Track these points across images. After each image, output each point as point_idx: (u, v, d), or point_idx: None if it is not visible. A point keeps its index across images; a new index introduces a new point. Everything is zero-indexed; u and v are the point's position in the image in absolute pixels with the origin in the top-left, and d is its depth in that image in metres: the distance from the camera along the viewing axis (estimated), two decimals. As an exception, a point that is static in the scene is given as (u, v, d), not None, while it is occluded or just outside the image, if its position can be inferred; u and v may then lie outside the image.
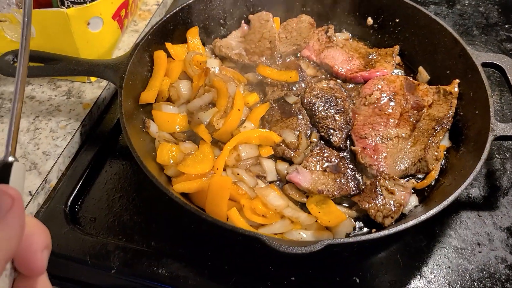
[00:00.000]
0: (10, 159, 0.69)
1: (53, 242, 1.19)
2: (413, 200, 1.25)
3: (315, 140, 1.38)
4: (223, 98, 1.38)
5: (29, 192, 1.28)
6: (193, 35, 1.57)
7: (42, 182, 1.31)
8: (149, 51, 1.46)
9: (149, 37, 1.44)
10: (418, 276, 1.18)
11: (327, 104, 1.43)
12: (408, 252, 1.23)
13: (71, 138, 1.42)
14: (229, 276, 1.18)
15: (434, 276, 1.18)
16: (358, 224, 1.24)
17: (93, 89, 1.56)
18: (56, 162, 1.36)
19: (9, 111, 1.46)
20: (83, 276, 1.27)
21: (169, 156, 1.28)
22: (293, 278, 1.17)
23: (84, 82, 1.57)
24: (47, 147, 1.39)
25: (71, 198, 1.32)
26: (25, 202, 1.26)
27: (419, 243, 1.24)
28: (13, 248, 0.58)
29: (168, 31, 1.52)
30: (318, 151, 1.32)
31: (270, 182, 1.30)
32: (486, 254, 1.22)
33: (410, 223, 1.04)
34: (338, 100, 1.44)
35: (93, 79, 1.57)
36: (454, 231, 1.26)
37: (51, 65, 1.37)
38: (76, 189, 1.34)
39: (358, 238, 1.01)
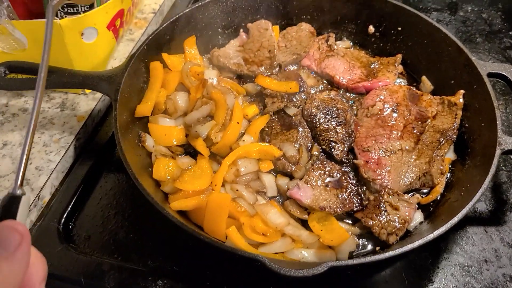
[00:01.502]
0: (19, 192, 0.68)
1: (47, 261, 1.16)
2: (418, 216, 1.21)
3: (316, 153, 1.34)
4: (222, 110, 1.34)
5: (21, 209, 1.24)
6: (190, 45, 1.53)
7: (35, 199, 1.27)
8: (145, 62, 1.42)
9: (145, 47, 1.40)
10: (424, 296, 1.14)
11: (328, 115, 1.39)
12: (413, 270, 1.19)
13: (65, 152, 1.37)
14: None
15: (441, 295, 1.14)
16: (362, 241, 1.19)
17: (88, 101, 1.51)
18: (49, 177, 1.32)
19: (3, 124, 1.43)
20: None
21: (166, 172, 1.24)
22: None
23: (79, 94, 1.53)
24: (40, 162, 1.34)
25: (64, 215, 1.28)
26: (17, 220, 1.22)
27: (425, 261, 1.20)
28: (19, 282, 0.61)
29: (165, 41, 1.48)
30: (320, 165, 1.28)
31: (270, 198, 1.26)
32: (494, 272, 1.18)
33: (417, 243, 1.00)
34: (339, 111, 1.40)
35: (87, 90, 1.53)
36: (460, 248, 1.22)
37: (44, 78, 1.33)
38: (70, 206, 1.30)
39: (362, 260, 0.97)
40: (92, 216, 1.30)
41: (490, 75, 1.31)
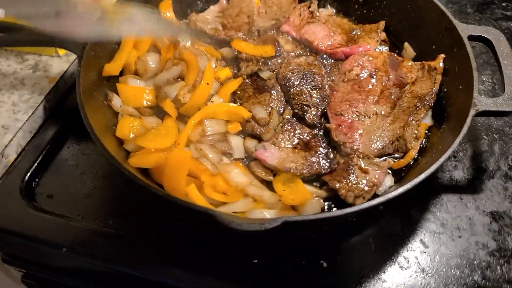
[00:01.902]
0: None
1: (6, 218, 1.14)
2: (388, 181, 1.16)
3: (289, 117, 1.30)
4: (192, 72, 1.30)
5: (-17, 166, 1.22)
6: (166, 7, 1.49)
7: (-2, 156, 1.25)
8: (118, 22, 1.38)
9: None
10: (391, 262, 1.09)
11: (304, 80, 1.34)
12: (381, 237, 1.14)
13: (33, 112, 1.35)
14: (188, 257, 1.10)
15: (408, 262, 1.09)
16: (329, 205, 1.15)
17: (61, 63, 1.49)
18: (15, 136, 1.29)
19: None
20: (36, 255, 1.21)
21: (130, 130, 1.21)
22: (256, 261, 1.10)
23: (52, 56, 1.50)
24: (6, 121, 1.32)
25: (28, 174, 1.26)
26: (-21, 176, 1.20)
27: (395, 227, 1.16)
28: None
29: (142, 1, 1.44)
30: (289, 128, 1.23)
31: (237, 160, 1.22)
32: (466, 240, 1.13)
33: (375, 201, 0.96)
34: (315, 76, 1.36)
35: (61, 52, 1.50)
36: (433, 215, 1.17)
37: (11, 35, 1.30)
38: (35, 165, 1.28)
39: (317, 216, 0.93)
40: (57, 176, 1.28)
41: (471, 38, 1.25)
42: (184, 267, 1.08)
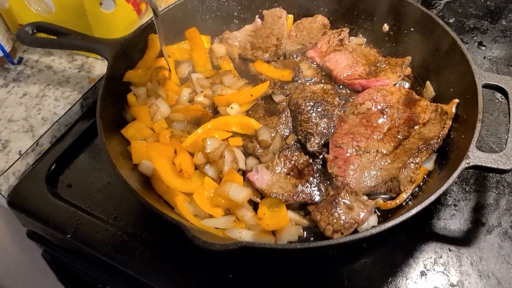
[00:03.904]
0: None
1: (30, 200, 1.29)
2: (372, 220, 1.16)
3: (292, 143, 1.34)
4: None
5: (19, 151, 1.40)
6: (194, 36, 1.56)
7: (33, 144, 1.42)
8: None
9: (153, 21, 1.48)
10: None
11: (314, 107, 1.37)
12: (357, 275, 1.15)
13: (70, 108, 1.52)
14: (169, 263, 1.19)
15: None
16: (309, 235, 1.18)
17: (103, 66, 1.65)
18: (50, 128, 1.47)
19: (29, 77, 1.60)
20: (49, 236, 1.37)
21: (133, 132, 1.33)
22: (231, 276, 1.16)
23: (97, 59, 1.67)
24: (46, 113, 1.50)
25: (55, 163, 1.42)
26: (13, 159, 1.38)
27: (373, 268, 1.16)
28: None
29: (177, 18, 1.55)
30: (287, 153, 1.28)
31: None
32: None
33: (341, 239, 0.98)
34: (326, 105, 1.38)
35: (104, 56, 1.66)
36: (415, 261, 1.15)
37: (59, 39, 1.48)
38: (62, 156, 1.44)
39: (272, 245, 0.97)
40: (79, 169, 1.43)
41: (486, 86, 1.20)
42: (163, 272, 1.17)
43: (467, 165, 1.05)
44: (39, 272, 1.95)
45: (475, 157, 1.06)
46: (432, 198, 1.02)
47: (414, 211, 1.01)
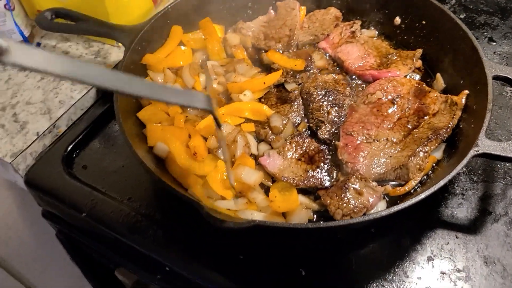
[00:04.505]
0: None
1: (47, 180, 1.33)
2: (381, 206, 1.19)
3: (303, 130, 1.37)
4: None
5: (37, 132, 1.44)
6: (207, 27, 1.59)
7: (50, 126, 1.46)
8: (168, 23, 1.54)
9: (169, 9, 1.52)
10: (368, 285, 1.13)
11: (325, 96, 1.40)
12: (365, 259, 1.18)
13: (86, 93, 1.55)
14: (182, 243, 1.22)
15: None
16: (318, 219, 1.20)
17: (119, 53, 1.68)
18: (67, 111, 1.50)
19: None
20: (64, 215, 1.41)
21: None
22: (242, 257, 1.19)
23: (113, 45, 1.70)
24: (63, 97, 1.54)
25: (71, 145, 1.45)
26: (31, 140, 1.42)
27: (382, 252, 1.19)
28: None
29: (190, 7, 1.58)
30: (298, 139, 1.30)
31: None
32: (448, 276, 1.12)
33: (352, 220, 1.01)
34: (338, 94, 1.41)
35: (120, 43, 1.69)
36: (422, 246, 1.18)
37: (78, 24, 1.51)
38: (79, 138, 1.47)
39: (286, 224, 1.00)
40: (94, 151, 1.46)
41: (497, 77, 1.23)
42: (175, 251, 1.21)
43: (476, 153, 1.08)
44: (49, 257, 2.00)
45: (484, 145, 1.09)
46: (441, 183, 1.05)
47: (423, 195, 1.04)
